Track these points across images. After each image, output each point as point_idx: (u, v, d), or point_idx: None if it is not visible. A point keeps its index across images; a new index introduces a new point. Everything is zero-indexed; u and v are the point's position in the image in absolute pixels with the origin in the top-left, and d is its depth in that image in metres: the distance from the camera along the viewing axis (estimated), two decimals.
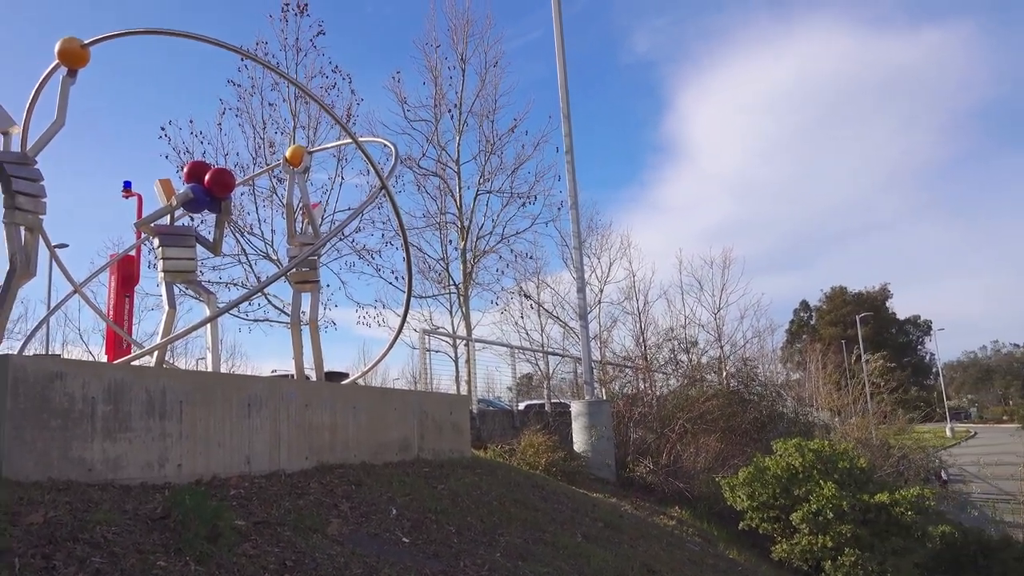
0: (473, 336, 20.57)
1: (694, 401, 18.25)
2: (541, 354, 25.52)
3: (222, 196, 8.85)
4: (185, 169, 9.26)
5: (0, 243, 6.55)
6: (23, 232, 6.65)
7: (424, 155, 21.92)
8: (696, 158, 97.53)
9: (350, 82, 19.48)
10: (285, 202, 10.11)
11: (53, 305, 17.80)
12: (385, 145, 12.69)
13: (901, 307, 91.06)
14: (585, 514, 10.17)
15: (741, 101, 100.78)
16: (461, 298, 21.87)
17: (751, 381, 23.83)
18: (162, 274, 8.26)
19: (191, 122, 21.26)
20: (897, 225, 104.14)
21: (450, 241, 22.51)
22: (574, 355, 23.76)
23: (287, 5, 18.97)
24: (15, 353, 8.35)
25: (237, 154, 18.93)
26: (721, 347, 30.18)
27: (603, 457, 14.99)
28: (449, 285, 22.27)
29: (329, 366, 9.81)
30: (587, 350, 16.95)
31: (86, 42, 7.25)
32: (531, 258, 24.74)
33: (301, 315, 9.41)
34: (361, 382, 11.25)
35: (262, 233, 18.73)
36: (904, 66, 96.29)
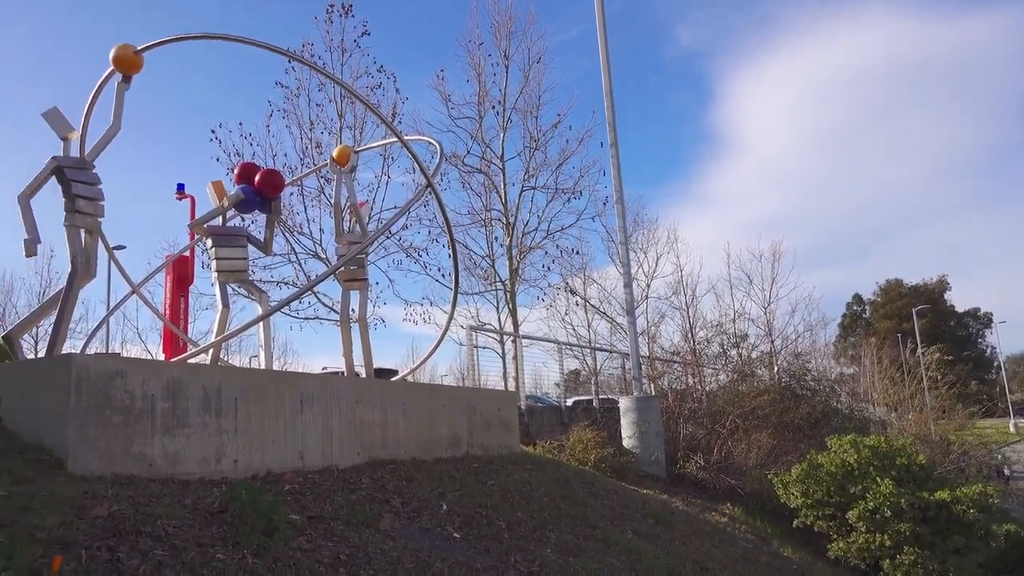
0: (520, 332, 20.57)
1: (745, 396, 17.98)
2: (588, 350, 25.41)
3: (272, 196, 9.00)
4: (236, 171, 9.45)
5: (62, 246, 6.77)
6: (83, 235, 6.86)
7: (469, 152, 21.99)
8: (743, 150, 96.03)
9: (395, 81, 19.71)
10: (333, 201, 10.23)
11: (112, 305, 18.30)
12: (430, 143, 12.80)
13: (960, 299, 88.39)
14: (635, 510, 10.12)
15: (789, 91, 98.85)
16: (508, 294, 21.89)
17: (803, 376, 23.37)
18: (215, 274, 8.44)
19: (240, 124, 21.82)
20: (955, 215, 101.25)
21: (496, 238, 22.58)
22: (622, 351, 23.61)
23: (332, 7, 19.24)
24: (78, 352, 8.62)
25: (285, 155, 19.29)
26: (772, 342, 29.52)
27: (652, 453, 14.88)
28: (495, 282, 22.33)
29: (378, 363, 9.90)
30: (635, 345, 16.85)
31: (139, 48, 7.43)
32: (577, 254, 24.65)
33: (350, 313, 9.52)
34: (410, 379, 11.34)
35: (311, 232, 19.04)
36: (956, 53, 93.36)
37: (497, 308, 22.66)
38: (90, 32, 72.65)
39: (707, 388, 19.49)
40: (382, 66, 19.42)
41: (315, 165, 17.93)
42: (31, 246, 6.48)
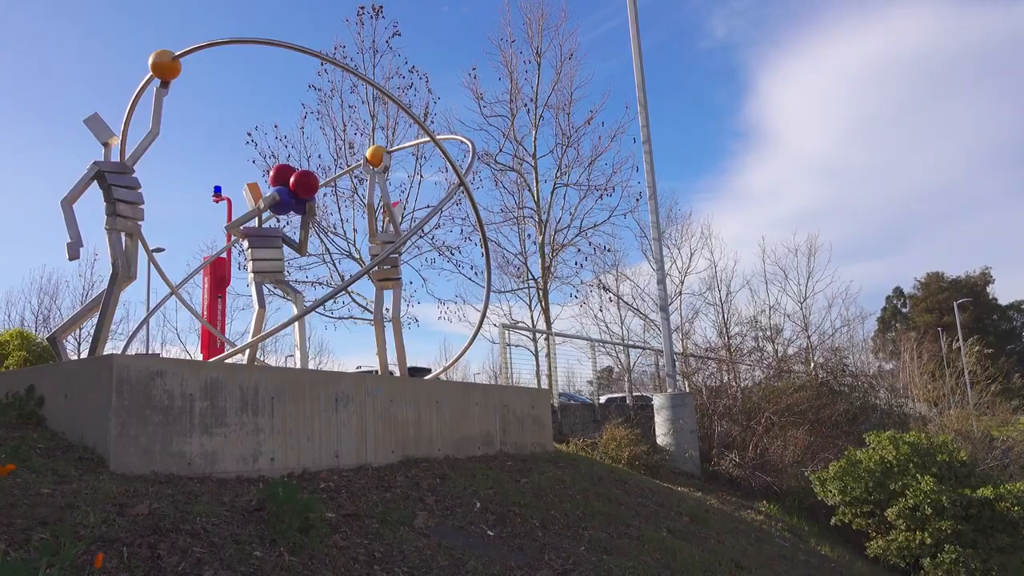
0: (553, 330, 20.55)
1: (781, 393, 17.78)
2: (622, 347, 25.30)
3: (307, 198, 9.11)
4: (271, 173, 9.58)
5: (104, 249, 6.93)
6: (124, 238, 7.01)
7: (501, 150, 21.98)
8: (779, 143, 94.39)
9: (426, 81, 19.85)
10: (366, 202, 10.33)
11: (152, 307, 18.67)
12: (462, 142, 12.84)
13: (1004, 292, 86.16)
14: (670, 508, 10.07)
15: (826, 82, 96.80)
16: (540, 292, 21.85)
17: (841, 372, 23.01)
18: (252, 275, 8.57)
19: (276, 127, 22.11)
20: (999, 206, 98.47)
21: (528, 235, 22.56)
22: (655, 347, 23.44)
23: (363, 8, 19.39)
24: (119, 353, 8.81)
25: (319, 156, 19.62)
26: (808, 337, 29.08)
27: (687, 450, 14.80)
28: (528, 280, 22.38)
29: (411, 362, 10.01)
30: (668, 342, 16.72)
31: (176, 54, 7.57)
32: (609, 251, 24.33)
33: (384, 312, 9.61)
34: (443, 377, 11.40)
35: (344, 233, 19.23)
36: (999, 40, 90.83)
37: (530, 306, 22.64)
38: (125, 36, 74.11)
39: (742, 385, 19.22)
40: (414, 66, 19.55)
41: (348, 166, 18.11)
42: (74, 249, 6.63)
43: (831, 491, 12.69)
